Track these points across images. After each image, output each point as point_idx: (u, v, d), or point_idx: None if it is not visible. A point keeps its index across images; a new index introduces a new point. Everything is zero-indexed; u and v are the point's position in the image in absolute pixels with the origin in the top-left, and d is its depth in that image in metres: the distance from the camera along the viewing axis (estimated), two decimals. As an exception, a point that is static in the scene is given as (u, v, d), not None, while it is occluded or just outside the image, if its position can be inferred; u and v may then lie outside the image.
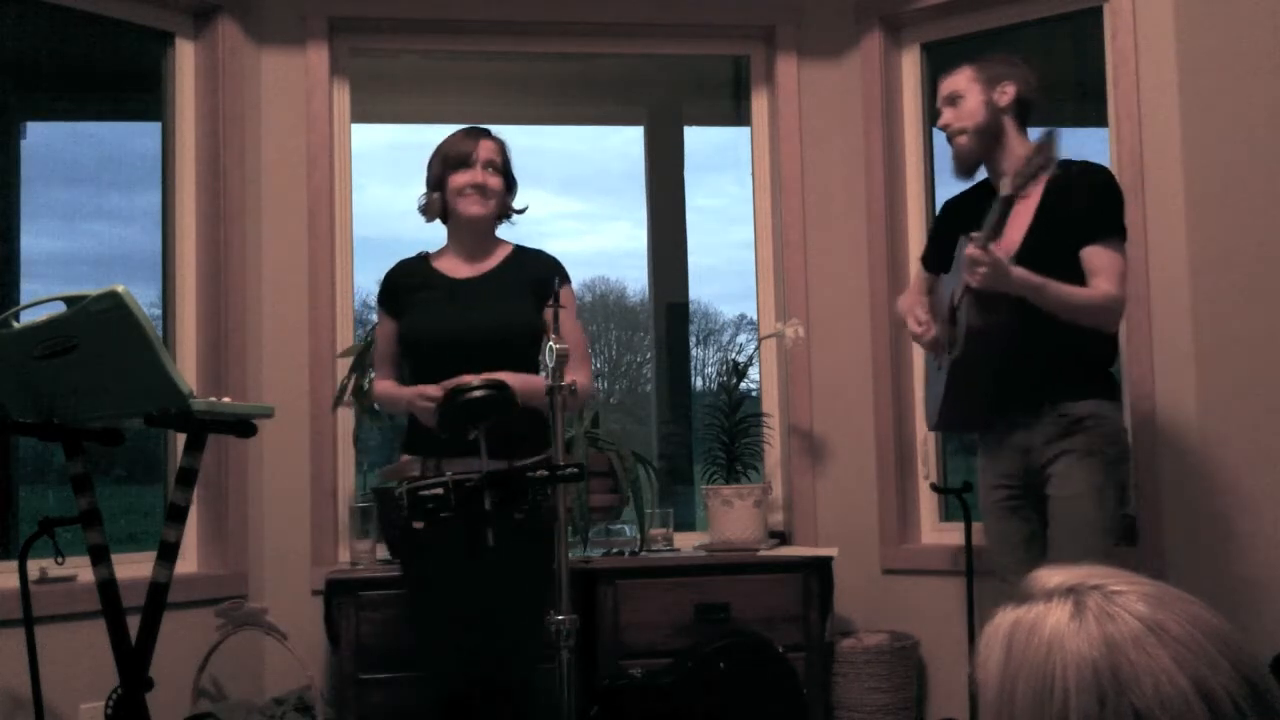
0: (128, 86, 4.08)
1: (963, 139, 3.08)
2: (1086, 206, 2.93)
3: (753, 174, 4.30)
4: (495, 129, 3.23)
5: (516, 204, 3.18)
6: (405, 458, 3.04)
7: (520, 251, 3.17)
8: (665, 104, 4.91)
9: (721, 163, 4.87)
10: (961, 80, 3.09)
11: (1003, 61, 3.12)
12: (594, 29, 4.21)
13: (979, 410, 3.07)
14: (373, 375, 3.33)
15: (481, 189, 3.07)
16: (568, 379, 2.64)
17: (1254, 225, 3.39)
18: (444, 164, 3.11)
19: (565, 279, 3.12)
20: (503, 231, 3.21)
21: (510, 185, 3.16)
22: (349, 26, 4.03)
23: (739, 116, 4.48)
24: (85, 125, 4.20)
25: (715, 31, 4.27)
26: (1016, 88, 3.05)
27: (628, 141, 5.05)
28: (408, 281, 3.15)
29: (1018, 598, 1.01)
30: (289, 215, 3.90)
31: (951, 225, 3.14)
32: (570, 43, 4.28)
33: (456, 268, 3.13)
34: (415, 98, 4.89)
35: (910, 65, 4.11)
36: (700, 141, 5.00)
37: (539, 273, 3.06)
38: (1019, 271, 2.80)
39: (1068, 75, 4.16)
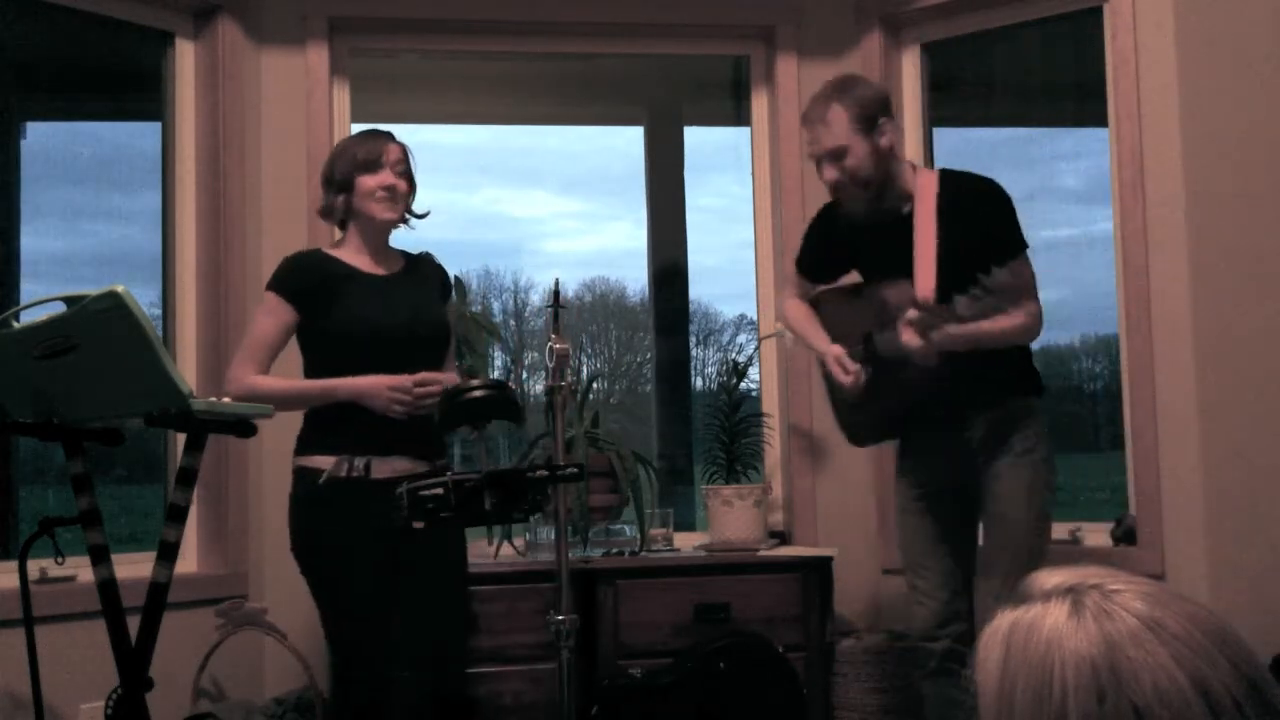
0: (128, 86, 4.08)
1: (856, 191, 2.98)
2: (988, 227, 2.89)
3: (753, 174, 4.30)
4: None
5: (417, 208, 3.12)
6: (323, 459, 2.94)
7: (415, 255, 3.17)
8: (665, 104, 4.91)
9: (721, 163, 4.87)
10: (839, 130, 2.93)
11: (867, 86, 3.02)
12: (594, 29, 4.21)
13: (898, 420, 3.08)
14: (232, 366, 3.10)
15: (392, 192, 3.02)
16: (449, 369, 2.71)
17: (1254, 225, 3.40)
18: (354, 166, 3.01)
19: (450, 278, 3.25)
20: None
21: (413, 188, 3.10)
22: (349, 26, 4.03)
23: (739, 116, 4.48)
24: (85, 125, 4.20)
25: (715, 31, 4.27)
26: (890, 124, 2.97)
27: (628, 141, 5.04)
28: (321, 273, 2.99)
29: (1016, 599, 1.01)
30: (289, 215, 3.89)
31: (833, 241, 3.15)
32: (570, 43, 4.28)
33: (369, 265, 3.05)
34: (415, 98, 4.89)
35: (910, 65, 4.11)
36: (700, 141, 5.00)
37: (437, 272, 3.16)
38: (951, 332, 2.76)
39: (1068, 75, 4.16)
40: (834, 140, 2.95)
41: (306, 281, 2.99)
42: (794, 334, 3.27)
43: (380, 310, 2.98)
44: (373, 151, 3.02)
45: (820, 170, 3.01)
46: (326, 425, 2.96)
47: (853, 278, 3.23)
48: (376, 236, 3.07)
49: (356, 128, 4.05)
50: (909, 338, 2.74)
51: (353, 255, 3.05)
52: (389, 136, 3.10)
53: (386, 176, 3.00)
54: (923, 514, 3.10)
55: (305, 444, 3.01)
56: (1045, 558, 2.90)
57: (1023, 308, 2.89)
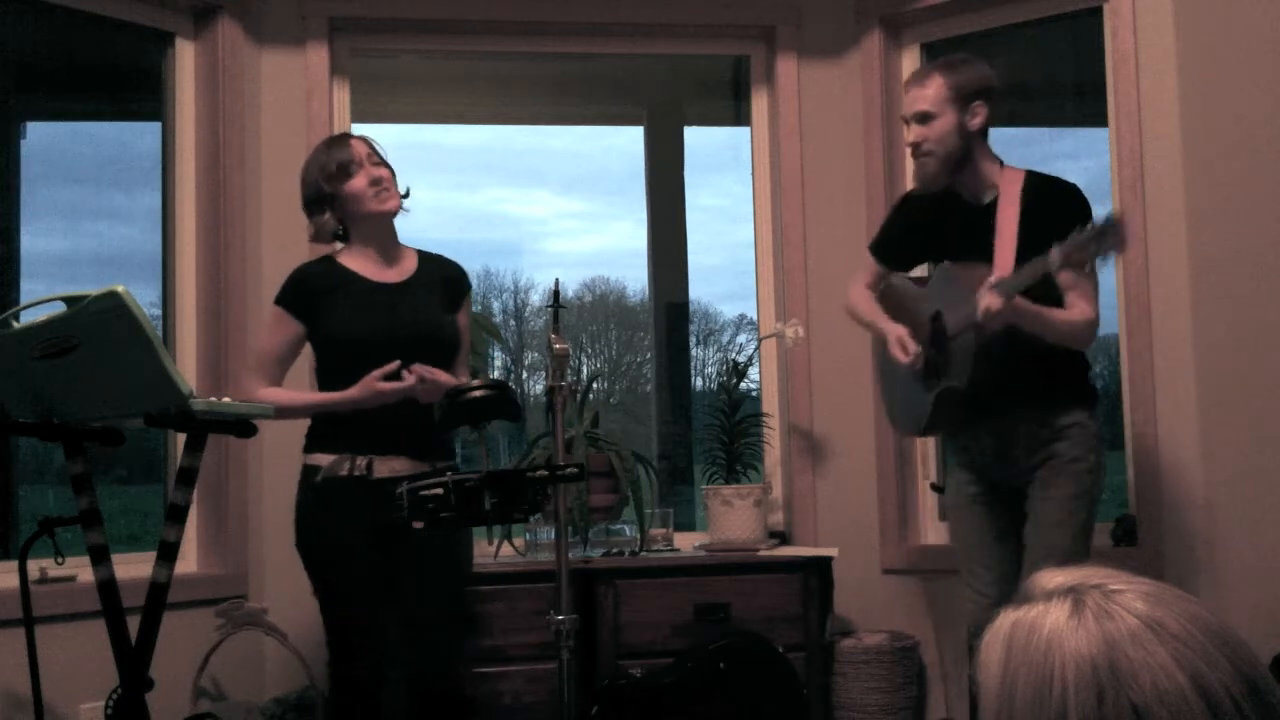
0: (128, 86, 4.08)
1: (931, 161, 3.01)
2: (1066, 225, 2.86)
3: (753, 174, 4.30)
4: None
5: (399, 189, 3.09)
6: (323, 457, 2.96)
7: (425, 256, 3.14)
8: (665, 104, 4.91)
9: (721, 163, 4.88)
10: (933, 96, 2.99)
11: (972, 69, 3.04)
12: (594, 29, 4.21)
13: (966, 413, 3.06)
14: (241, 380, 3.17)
15: (380, 182, 2.99)
16: (461, 376, 2.69)
17: (1254, 225, 3.39)
18: (329, 178, 2.98)
19: (470, 283, 3.19)
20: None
21: (394, 174, 3.06)
22: (349, 26, 4.03)
23: (739, 116, 4.48)
24: (85, 125, 4.20)
25: (715, 31, 4.27)
26: (986, 108, 3.00)
27: (630, 141, 5.05)
28: (325, 284, 3.01)
29: (1017, 599, 1.01)
30: (289, 215, 3.88)
31: (912, 226, 3.16)
32: (570, 43, 4.28)
33: (376, 272, 3.04)
34: (415, 98, 4.89)
35: (910, 65, 4.10)
36: (700, 141, 5.00)
37: (450, 274, 3.11)
38: (1023, 304, 2.80)
39: (1068, 75, 4.16)
40: (925, 104, 3.00)
41: (306, 293, 3.01)
42: (856, 318, 3.27)
43: (378, 317, 2.97)
44: (341, 156, 3.00)
45: (906, 131, 3.07)
46: (331, 423, 2.98)
47: (922, 271, 3.23)
48: (382, 234, 3.05)
49: (356, 128, 4.07)
50: (990, 300, 2.74)
51: (358, 261, 3.04)
52: (347, 137, 3.09)
53: (369, 171, 2.99)
54: (976, 512, 3.08)
55: (311, 441, 3.03)
56: (1088, 541, 2.89)
57: (1086, 307, 2.90)
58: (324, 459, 2.96)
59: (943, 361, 2.98)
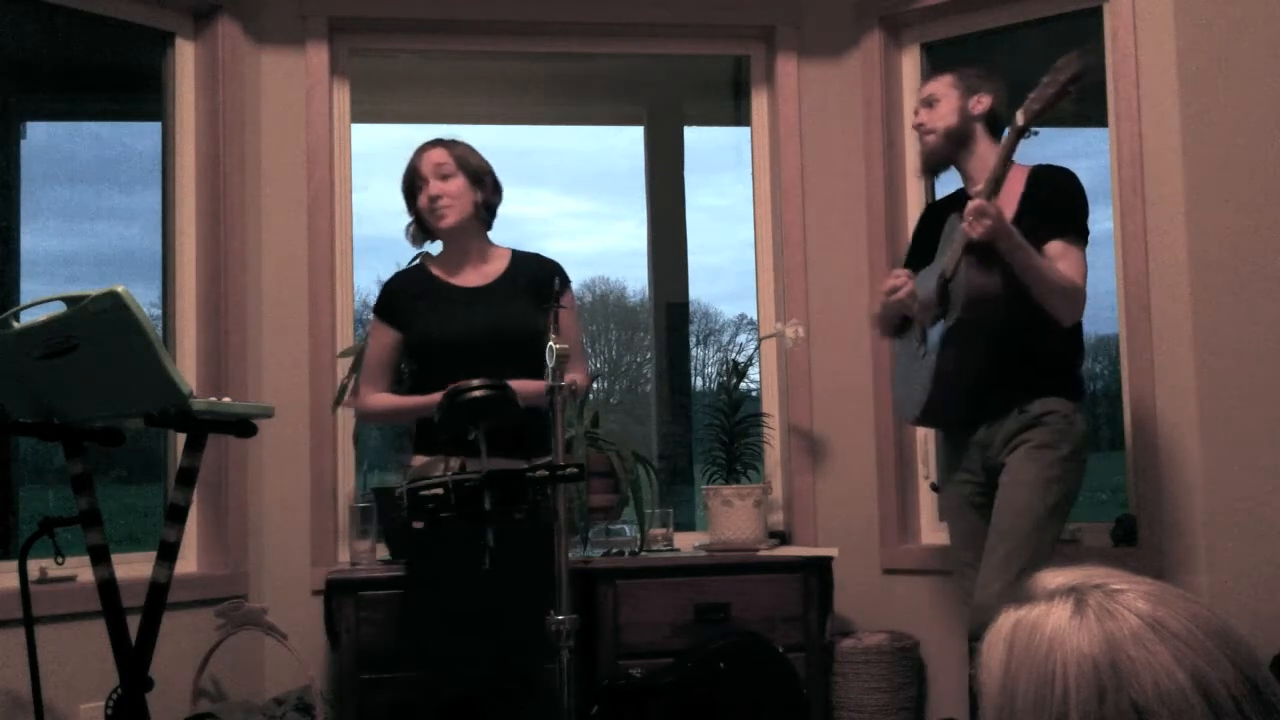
0: (128, 86, 4.08)
1: (932, 138, 3.20)
2: (1058, 205, 3.05)
3: (753, 174, 4.30)
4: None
5: (501, 197, 3.17)
6: (421, 459, 3.04)
7: (519, 257, 3.19)
8: (665, 104, 4.91)
9: (721, 163, 4.87)
10: (940, 85, 3.21)
11: (982, 74, 3.22)
12: (594, 29, 4.21)
13: (963, 398, 3.07)
14: (357, 388, 3.31)
15: (434, 202, 3.09)
16: (567, 378, 2.66)
17: (1254, 225, 3.39)
18: (408, 189, 3.16)
19: (566, 281, 3.16)
20: (497, 231, 3.22)
21: (477, 180, 3.13)
22: (349, 26, 4.03)
23: (739, 116, 4.48)
24: (85, 125, 4.20)
25: (715, 31, 4.27)
26: (991, 100, 3.16)
27: (630, 141, 5.05)
28: (411, 291, 3.16)
29: (1020, 599, 1.01)
30: (289, 215, 3.89)
31: (929, 231, 3.24)
32: (570, 43, 4.28)
33: (460, 276, 3.15)
34: (415, 98, 4.89)
35: (910, 65, 4.11)
36: (700, 141, 4.99)
37: (539, 276, 3.09)
38: (1013, 230, 2.88)
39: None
40: (930, 90, 3.23)
41: (396, 300, 3.16)
42: (878, 318, 3.34)
43: (456, 321, 3.06)
44: (414, 169, 3.14)
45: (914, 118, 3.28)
46: (426, 428, 3.05)
47: None
48: (455, 242, 3.16)
49: (356, 128, 4.08)
50: (973, 203, 2.84)
51: (442, 265, 3.18)
52: (431, 145, 3.16)
53: (430, 188, 3.10)
54: (969, 512, 3.13)
55: (414, 445, 3.14)
56: (1048, 557, 2.89)
57: (1074, 276, 2.97)
58: (419, 459, 3.05)
59: (944, 309, 3.01)
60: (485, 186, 3.16)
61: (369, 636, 3.45)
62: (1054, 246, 2.98)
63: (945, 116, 3.18)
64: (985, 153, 3.12)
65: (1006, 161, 2.87)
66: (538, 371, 2.90)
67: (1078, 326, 3.08)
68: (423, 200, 3.11)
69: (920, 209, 4.07)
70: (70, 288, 2.47)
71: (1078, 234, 3.03)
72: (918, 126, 3.24)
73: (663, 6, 4.15)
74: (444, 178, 3.10)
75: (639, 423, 5.19)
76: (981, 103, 3.16)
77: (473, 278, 3.14)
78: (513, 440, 2.88)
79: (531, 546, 2.84)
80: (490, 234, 3.24)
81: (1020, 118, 2.85)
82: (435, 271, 3.18)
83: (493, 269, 3.16)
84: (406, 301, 3.15)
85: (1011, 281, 2.90)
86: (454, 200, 3.09)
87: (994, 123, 3.16)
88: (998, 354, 2.97)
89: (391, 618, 3.42)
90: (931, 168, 3.27)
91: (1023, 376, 3.00)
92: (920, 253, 3.28)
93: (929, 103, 3.21)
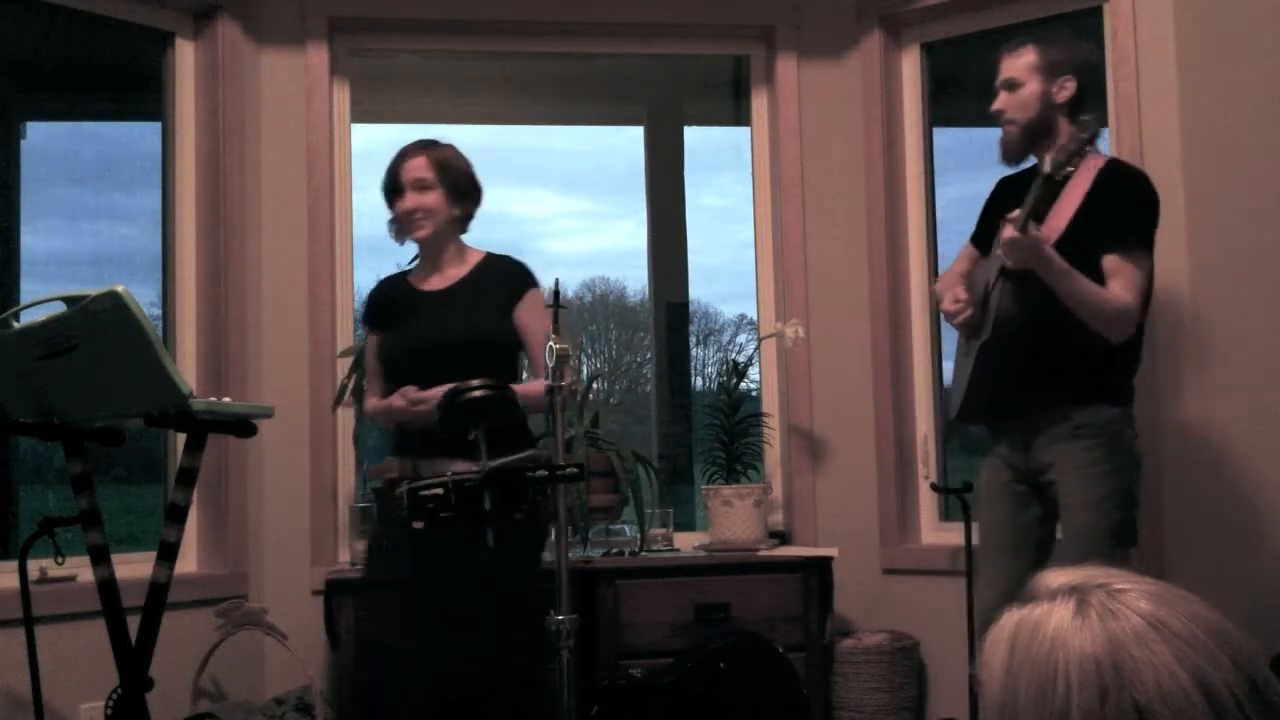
0: (128, 86, 4.08)
1: (1012, 129, 3.02)
2: (1121, 215, 2.88)
3: (753, 174, 4.30)
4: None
5: (482, 201, 3.19)
6: (391, 461, 3.09)
7: (489, 260, 3.18)
8: (665, 104, 4.91)
9: (721, 163, 4.87)
10: (1022, 66, 3.00)
11: (1066, 46, 3.04)
12: (594, 29, 4.21)
13: (999, 399, 3.01)
14: (358, 388, 3.39)
15: (409, 215, 3.10)
16: (531, 386, 2.71)
17: (1254, 225, 3.39)
18: (387, 193, 3.17)
19: (533, 282, 3.13)
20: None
21: (456, 191, 3.12)
22: (349, 26, 4.03)
23: (739, 116, 4.48)
24: (85, 125, 4.20)
25: (715, 31, 4.27)
26: (1075, 84, 2.97)
27: (630, 141, 5.05)
28: (387, 295, 3.21)
29: (1022, 599, 1.01)
30: (289, 215, 3.90)
31: (1000, 205, 3.08)
32: (570, 43, 4.28)
33: (428, 280, 3.17)
34: (415, 98, 4.89)
35: (910, 65, 4.11)
36: (700, 141, 5.00)
37: (505, 277, 3.12)
38: (1051, 253, 2.76)
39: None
40: (1012, 71, 3.01)
41: (373, 307, 3.23)
42: (939, 295, 3.24)
43: (410, 325, 3.09)
44: (393, 174, 3.14)
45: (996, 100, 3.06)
46: (396, 433, 3.12)
47: None
48: (429, 250, 3.18)
49: (357, 128, 4.08)
50: (1005, 231, 2.73)
51: (419, 271, 3.21)
52: (412, 151, 3.14)
53: (406, 199, 3.10)
54: (1003, 502, 3.02)
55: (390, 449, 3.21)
56: (1129, 540, 2.82)
57: (1125, 295, 2.82)
58: (389, 464, 3.10)
59: (983, 319, 2.96)
60: (463, 197, 3.14)
61: (369, 636, 3.45)
62: (1109, 261, 2.81)
63: (1027, 106, 2.98)
64: (1065, 136, 2.93)
65: (1041, 201, 2.73)
66: (492, 374, 2.88)
67: (1139, 330, 2.93)
68: (400, 209, 3.13)
69: (920, 209, 4.08)
70: (70, 288, 2.47)
71: (1139, 245, 2.87)
72: (997, 113, 3.03)
73: (663, 6, 4.15)
74: (422, 190, 3.10)
75: (639, 423, 5.19)
76: (1065, 89, 2.96)
77: (436, 282, 3.16)
78: (494, 442, 2.90)
79: (524, 545, 2.87)
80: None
81: (1047, 165, 2.69)
82: (410, 277, 3.23)
83: (456, 273, 3.15)
84: (381, 306, 3.21)
85: (1052, 302, 2.79)
86: (429, 214, 3.10)
87: (1077, 104, 2.98)
88: (1040, 359, 2.86)
89: (391, 618, 3.42)
90: (1012, 158, 3.07)
91: (1071, 377, 2.88)
92: (985, 230, 3.16)
93: (1010, 86, 3.00)
